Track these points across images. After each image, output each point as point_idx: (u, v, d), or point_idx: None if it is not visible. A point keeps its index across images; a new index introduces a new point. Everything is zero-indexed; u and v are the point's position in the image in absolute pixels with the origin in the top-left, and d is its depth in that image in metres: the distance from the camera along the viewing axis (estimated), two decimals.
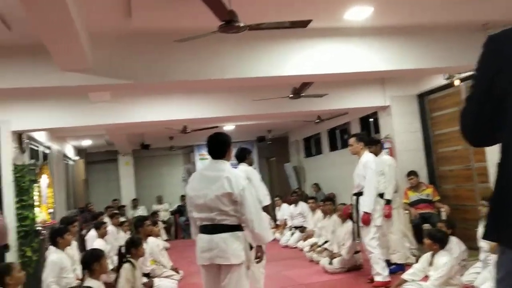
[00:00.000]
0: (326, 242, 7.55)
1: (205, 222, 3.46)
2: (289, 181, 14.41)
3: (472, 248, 6.06)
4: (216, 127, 9.98)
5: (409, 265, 6.19)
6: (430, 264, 4.67)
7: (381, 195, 6.10)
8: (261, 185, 5.40)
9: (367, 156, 5.55)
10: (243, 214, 3.39)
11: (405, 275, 4.77)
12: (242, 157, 5.59)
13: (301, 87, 6.44)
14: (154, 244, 6.66)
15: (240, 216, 3.40)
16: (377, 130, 9.40)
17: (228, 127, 11.51)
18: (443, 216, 7.04)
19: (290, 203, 10.74)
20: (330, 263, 6.45)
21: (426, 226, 7.13)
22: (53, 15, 3.38)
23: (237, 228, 3.44)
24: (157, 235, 6.95)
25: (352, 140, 5.66)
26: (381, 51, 5.37)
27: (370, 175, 5.44)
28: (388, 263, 6.21)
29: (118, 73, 4.72)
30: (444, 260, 4.46)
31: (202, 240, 3.46)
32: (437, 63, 5.51)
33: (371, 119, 9.82)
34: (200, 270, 3.58)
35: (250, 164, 5.65)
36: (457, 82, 6.79)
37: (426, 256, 4.78)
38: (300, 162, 14.35)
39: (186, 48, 4.70)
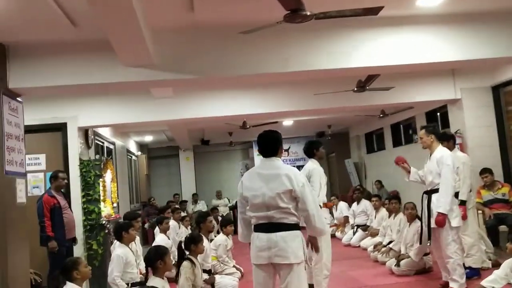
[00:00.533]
0: (391, 242, 7.21)
1: (263, 220, 3.42)
2: (350, 178, 14.07)
3: None
4: (276, 122, 9.85)
5: (484, 270, 5.81)
6: None
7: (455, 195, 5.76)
8: (318, 188, 5.15)
9: (441, 150, 5.04)
10: (304, 210, 3.38)
11: (485, 282, 4.39)
12: (311, 151, 5.38)
13: (366, 80, 6.15)
14: (223, 243, 6.64)
15: (301, 213, 3.40)
16: (445, 125, 8.89)
17: (287, 122, 11.34)
18: None
19: (352, 201, 10.42)
20: (397, 264, 6.13)
21: (503, 227, 6.65)
22: (117, 11, 3.36)
23: (295, 226, 3.41)
24: (228, 233, 6.92)
25: (422, 133, 5.18)
26: (455, 40, 4.98)
27: (447, 172, 4.90)
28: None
29: (181, 68, 4.67)
30: None
31: (260, 239, 3.41)
32: None
33: (439, 113, 9.32)
34: (253, 268, 3.52)
35: (321, 158, 5.42)
36: None
37: (509, 262, 4.38)
38: (361, 158, 13.95)
39: (250, 41, 4.57)
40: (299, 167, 5.14)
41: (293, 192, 3.36)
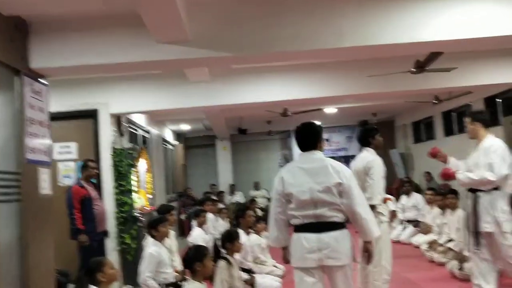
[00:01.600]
0: (450, 241, 6.51)
1: (309, 220, 3.18)
2: (395, 169, 13.30)
3: None
4: (319, 109, 9.24)
5: None
6: None
7: None
8: (379, 181, 4.53)
9: (491, 140, 4.30)
10: (350, 206, 3.17)
11: None
12: (366, 140, 4.73)
13: (427, 60, 5.44)
14: (255, 243, 6.09)
15: (347, 209, 3.19)
16: (508, 111, 8.07)
17: (330, 110, 10.69)
18: None
19: (400, 194, 9.71)
20: (460, 268, 5.45)
21: None
22: None
23: (344, 225, 3.23)
24: (260, 230, 6.36)
25: (467, 121, 4.50)
26: None
27: (500, 163, 4.11)
28: None
29: (218, 45, 4.12)
30: None
31: (308, 239, 3.16)
32: None
33: (499, 99, 8.48)
34: (295, 274, 3.25)
35: (378, 147, 4.75)
36: None
37: None
38: (407, 149, 13.17)
39: (298, 11, 3.99)
40: (340, 158, 4.46)
41: (341, 186, 3.16)
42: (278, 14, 4.07)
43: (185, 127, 12.63)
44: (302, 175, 3.25)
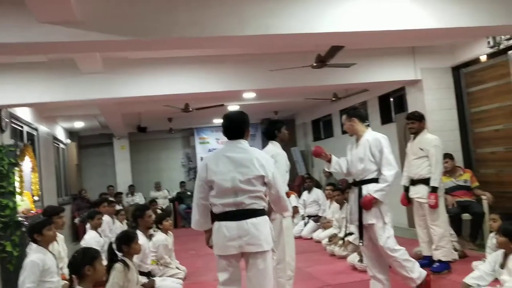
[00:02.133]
0: (349, 234, 6.65)
1: (230, 208, 3.23)
2: (296, 166, 13.55)
3: None
4: (221, 105, 9.04)
5: (452, 262, 5.36)
6: (501, 266, 3.76)
7: (424, 181, 5.24)
8: (283, 175, 4.37)
9: (372, 133, 4.28)
10: (276, 194, 3.32)
11: (469, 279, 3.87)
12: (272, 133, 4.60)
13: (327, 54, 5.48)
14: (162, 242, 5.72)
15: (273, 197, 3.34)
16: (400, 109, 8.50)
17: (232, 108, 10.55)
18: (485, 204, 6.18)
19: (302, 190, 9.85)
20: (360, 260, 5.55)
21: (466, 216, 6.28)
22: None
23: (264, 212, 3.32)
24: (167, 229, 5.99)
25: (343, 119, 4.45)
26: (434, 6, 4.40)
27: (389, 156, 4.13)
28: (430, 260, 5.35)
29: (112, 27, 3.75)
30: None
31: (228, 227, 3.21)
32: (497, 20, 4.53)
33: (392, 98, 8.92)
34: (217, 261, 3.31)
35: (283, 140, 4.65)
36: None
37: (496, 255, 3.88)
38: (308, 146, 13.48)
39: None
40: None
41: (265, 178, 3.24)
42: None
43: (78, 124, 11.75)
44: (226, 163, 3.27)
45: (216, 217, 3.30)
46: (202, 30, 3.91)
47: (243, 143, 3.36)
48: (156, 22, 3.85)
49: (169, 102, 7.93)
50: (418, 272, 4.16)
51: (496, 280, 3.84)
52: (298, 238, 8.58)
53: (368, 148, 4.17)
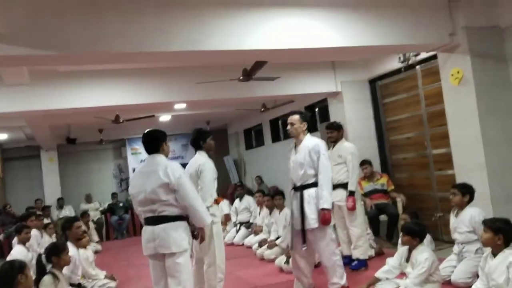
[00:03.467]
0: (278, 238, 6.98)
1: (148, 214, 3.65)
2: (229, 175, 13.81)
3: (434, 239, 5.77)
4: (152, 116, 9.12)
5: (369, 259, 5.80)
6: (406, 260, 4.20)
7: (342, 186, 5.65)
8: (210, 183, 4.64)
9: (313, 139, 4.46)
10: (182, 201, 3.55)
11: (379, 273, 4.27)
12: (197, 143, 4.79)
13: (252, 68, 5.79)
14: (83, 257, 5.70)
15: (180, 203, 3.57)
16: (324, 119, 8.99)
17: (164, 118, 10.64)
18: (400, 206, 6.73)
19: (234, 198, 10.10)
20: (287, 261, 5.87)
21: (383, 217, 6.80)
22: None
23: (177, 218, 3.61)
24: (85, 246, 5.93)
25: (295, 118, 4.45)
26: (339, 25, 4.85)
27: (326, 161, 4.35)
28: (350, 259, 5.77)
29: (37, 41, 3.78)
30: (425, 255, 3.98)
31: (146, 231, 3.66)
32: (402, 39, 5.08)
33: (317, 108, 9.42)
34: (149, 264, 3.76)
35: (209, 150, 4.83)
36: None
37: (402, 251, 4.31)
38: (240, 155, 13.79)
39: (125, 12, 3.91)
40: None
41: (170, 185, 3.52)
42: (108, 14, 3.93)
43: (2, 136, 11.31)
44: (140, 177, 3.72)
45: (143, 222, 3.78)
46: (129, 45, 4.06)
47: (158, 157, 3.72)
48: (82, 35, 3.92)
49: (99, 114, 7.91)
50: (344, 280, 4.47)
51: (403, 273, 4.28)
52: (231, 244, 8.84)
53: (308, 154, 4.34)
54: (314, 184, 4.40)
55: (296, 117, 4.48)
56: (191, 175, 4.53)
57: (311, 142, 4.43)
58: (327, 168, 4.38)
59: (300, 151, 4.41)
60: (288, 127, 4.54)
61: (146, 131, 3.87)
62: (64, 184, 13.52)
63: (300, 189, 4.44)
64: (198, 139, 4.79)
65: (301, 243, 4.41)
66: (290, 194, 4.69)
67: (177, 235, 3.57)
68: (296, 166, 4.44)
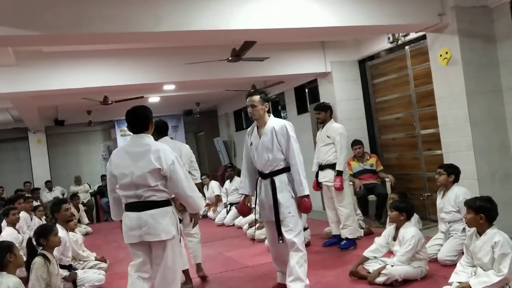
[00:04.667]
0: None
1: (132, 199, 3.35)
2: (219, 156, 13.83)
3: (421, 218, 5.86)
4: (141, 97, 9.05)
5: (358, 239, 5.88)
6: (394, 238, 4.26)
7: (331, 166, 5.69)
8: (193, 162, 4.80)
9: (277, 120, 4.06)
10: (174, 189, 3.35)
11: (367, 252, 4.33)
12: (164, 130, 4.74)
13: (242, 48, 5.75)
14: (72, 240, 5.69)
15: (171, 190, 3.37)
16: (314, 100, 8.98)
17: (154, 99, 10.58)
18: (388, 186, 6.80)
19: (222, 180, 10.12)
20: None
21: (371, 197, 6.86)
22: None
23: (165, 203, 3.37)
24: (72, 228, 5.91)
25: (256, 99, 4.00)
26: (330, 5, 4.82)
27: (296, 145, 3.96)
28: (339, 238, 5.84)
29: (21, 21, 3.72)
30: (411, 232, 4.06)
31: (130, 218, 3.35)
32: (391, 19, 5.07)
33: (307, 89, 9.40)
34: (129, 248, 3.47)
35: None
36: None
37: (389, 230, 4.38)
38: (230, 136, 13.77)
39: None
40: None
41: (161, 171, 3.28)
42: None
43: None
44: (126, 158, 3.35)
45: (124, 207, 3.41)
46: (119, 26, 4.01)
47: (145, 137, 3.38)
48: (71, 17, 3.87)
49: (87, 95, 7.84)
50: (307, 281, 3.97)
51: (390, 252, 4.34)
52: (221, 225, 8.91)
53: (275, 136, 3.95)
54: (285, 169, 4.00)
55: (256, 97, 4.03)
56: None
57: (277, 123, 4.01)
58: (298, 151, 3.98)
59: (266, 134, 3.98)
60: (249, 109, 4.07)
61: (131, 108, 3.47)
62: (53, 166, 13.47)
63: (269, 176, 3.99)
64: (165, 127, 4.78)
65: (276, 236, 3.99)
66: (247, 183, 4.22)
67: (166, 222, 3.31)
68: (261, 151, 3.99)
